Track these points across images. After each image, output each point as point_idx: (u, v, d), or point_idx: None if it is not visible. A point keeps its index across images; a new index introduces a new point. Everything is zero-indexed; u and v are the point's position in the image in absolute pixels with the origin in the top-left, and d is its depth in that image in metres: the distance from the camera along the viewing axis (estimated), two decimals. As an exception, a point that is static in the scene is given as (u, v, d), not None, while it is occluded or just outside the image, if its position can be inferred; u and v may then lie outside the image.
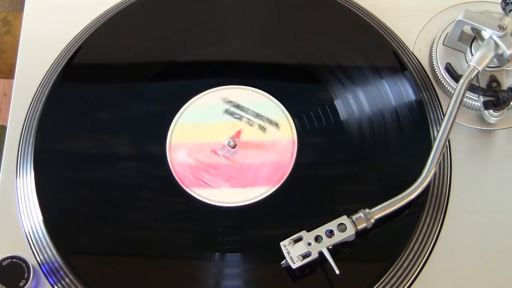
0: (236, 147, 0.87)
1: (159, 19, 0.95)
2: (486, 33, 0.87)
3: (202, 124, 0.88)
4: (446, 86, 0.89)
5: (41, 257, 0.82)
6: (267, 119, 0.88)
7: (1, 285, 0.77)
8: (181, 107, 0.89)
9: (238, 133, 0.88)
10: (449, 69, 0.88)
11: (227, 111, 0.89)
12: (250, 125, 0.88)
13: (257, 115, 0.89)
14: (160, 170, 0.86)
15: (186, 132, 0.88)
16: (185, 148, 0.87)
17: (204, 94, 0.90)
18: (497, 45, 0.86)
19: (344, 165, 0.85)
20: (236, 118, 0.88)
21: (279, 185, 0.84)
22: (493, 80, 0.88)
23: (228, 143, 0.86)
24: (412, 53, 0.92)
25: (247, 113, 0.89)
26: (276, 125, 0.88)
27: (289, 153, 0.86)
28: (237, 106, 0.89)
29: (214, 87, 0.90)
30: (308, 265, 0.78)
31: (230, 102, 0.89)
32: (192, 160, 0.86)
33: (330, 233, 0.78)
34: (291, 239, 0.78)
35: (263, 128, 0.88)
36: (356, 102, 0.88)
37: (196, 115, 0.89)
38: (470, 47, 0.89)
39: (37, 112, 0.89)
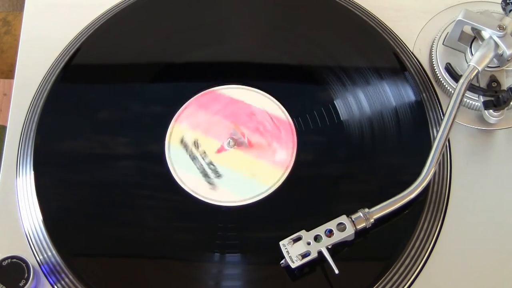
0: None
1: (159, 19, 0.95)
2: (486, 33, 0.87)
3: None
4: (446, 86, 0.89)
5: (41, 257, 0.82)
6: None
7: (1, 285, 0.77)
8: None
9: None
10: (449, 69, 0.88)
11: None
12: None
13: None
14: (160, 170, 0.86)
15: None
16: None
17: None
18: (497, 45, 0.86)
19: (344, 164, 0.85)
20: None
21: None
22: (493, 80, 0.88)
23: (229, 144, 0.87)
24: (412, 53, 0.92)
25: None
26: None
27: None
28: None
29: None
30: (307, 265, 0.78)
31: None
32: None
33: (329, 233, 0.78)
34: (291, 239, 0.78)
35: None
36: (356, 102, 0.88)
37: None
38: (470, 47, 0.89)
39: (37, 112, 0.89)
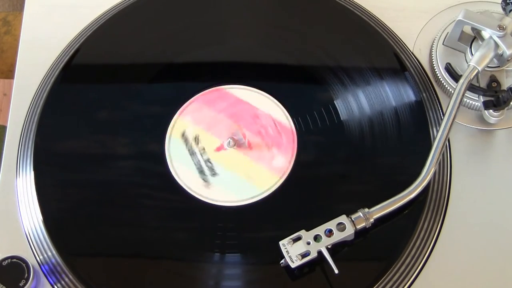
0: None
1: (159, 19, 0.95)
2: (486, 33, 0.87)
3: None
4: (446, 86, 0.89)
5: (41, 257, 0.82)
6: None
7: (1, 285, 0.77)
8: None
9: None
10: (449, 69, 0.88)
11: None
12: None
13: None
14: (160, 170, 0.86)
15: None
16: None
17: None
18: (497, 45, 0.86)
19: (344, 164, 0.85)
20: None
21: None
22: (493, 80, 0.88)
23: (229, 143, 0.87)
24: (412, 53, 0.92)
25: None
26: None
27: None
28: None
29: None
30: (307, 265, 0.78)
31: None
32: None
33: (329, 233, 0.78)
34: (290, 238, 0.78)
35: None
36: (356, 102, 0.88)
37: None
38: (470, 47, 0.89)
39: (37, 112, 0.89)
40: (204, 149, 0.87)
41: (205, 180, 0.85)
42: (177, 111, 0.89)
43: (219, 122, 0.89)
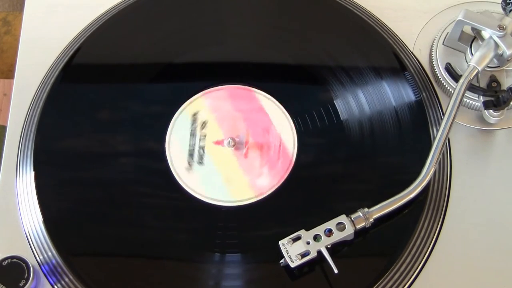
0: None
1: (159, 19, 0.95)
2: (486, 33, 0.87)
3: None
4: (446, 86, 0.89)
5: (41, 257, 0.82)
6: None
7: (1, 285, 0.77)
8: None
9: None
10: (449, 69, 0.88)
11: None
12: None
13: None
14: (160, 170, 0.86)
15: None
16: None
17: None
18: (497, 45, 0.86)
19: (343, 164, 0.85)
20: None
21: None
22: (493, 80, 0.88)
23: (229, 143, 0.87)
24: (412, 53, 0.92)
25: None
26: None
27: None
28: None
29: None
30: (306, 264, 0.78)
31: None
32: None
33: (329, 232, 0.78)
34: (290, 238, 0.78)
35: None
36: (356, 102, 0.88)
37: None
38: (470, 47, 0.89)
39: (37, 112, 0.89)
40: (205, 136, 0.87)
41: (190, 163, 0.86)
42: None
43: (232, 120, 0.89)
